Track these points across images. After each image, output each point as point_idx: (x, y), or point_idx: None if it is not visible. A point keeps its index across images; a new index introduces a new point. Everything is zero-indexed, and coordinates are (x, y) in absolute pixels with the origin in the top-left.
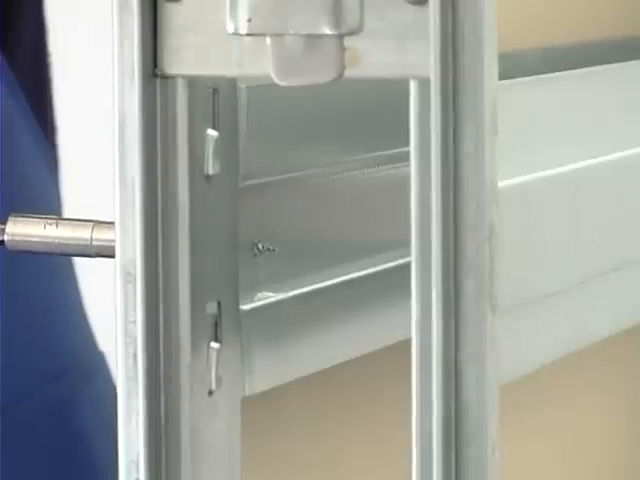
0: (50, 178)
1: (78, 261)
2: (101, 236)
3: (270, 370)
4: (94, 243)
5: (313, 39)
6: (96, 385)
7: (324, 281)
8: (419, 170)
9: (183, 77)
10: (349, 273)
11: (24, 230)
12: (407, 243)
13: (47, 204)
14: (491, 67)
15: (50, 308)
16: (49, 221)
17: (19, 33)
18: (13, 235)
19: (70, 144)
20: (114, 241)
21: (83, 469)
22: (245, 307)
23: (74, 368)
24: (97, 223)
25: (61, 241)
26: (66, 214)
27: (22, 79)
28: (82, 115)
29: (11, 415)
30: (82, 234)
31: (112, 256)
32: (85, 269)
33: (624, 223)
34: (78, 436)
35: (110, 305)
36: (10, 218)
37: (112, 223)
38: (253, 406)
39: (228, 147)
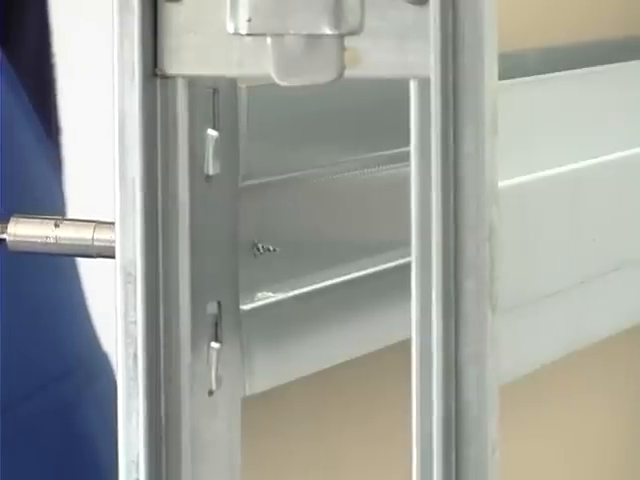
0: (54, 177)
1: (81, 262)
2: (102, 236)
3: (270, 370)
4: (95, 243)
5: (313, 39)
6: (100, 386)
7: (324, 281)
8: (419, 170)
9: (183, 77)
10: (349, 273)
11: (26, 231)
12: (407, 243)
13: (50, 203)
14: (491, 67)
15: (54, 309)
16: (51, 221)
17: (23, 33)
18: (15, 236)
19: (74, 144)
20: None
21: (87, 470)
22: (245, 307)
23: (78, 369)
24: (98, 223)
25: (63, 241)
26: (70, 214)
27: (25, 79)
28: (86, 115)
29: (14, 415)
30: (84, 234)
31: (114, 256)
32: (88, 270)
33: (624, 223)
34: (82, 437)
35: (113, 306)
36: (12, 219)
37: (113, 223)
38: (253, 406)
39: (228, 147)
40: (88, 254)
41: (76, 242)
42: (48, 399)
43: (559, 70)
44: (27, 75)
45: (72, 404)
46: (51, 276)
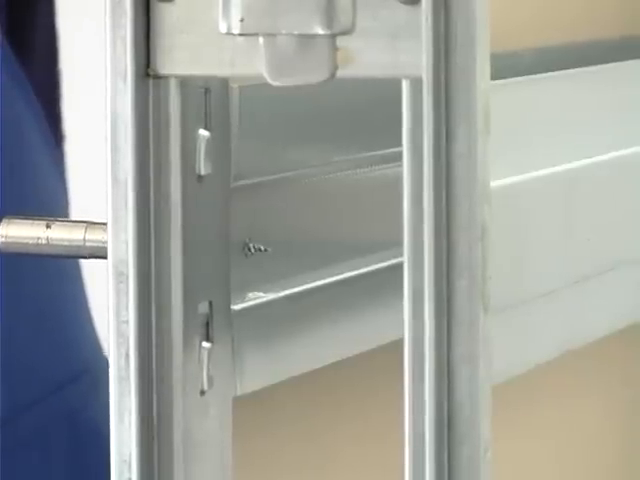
0: (60, 180)
1: (84, 264)
2: (94, 237)
3: (261, 370)
4: (87, 244)
5: (306, 39)
6: (104, 390)
7: (316, 281)
8: (412, 170)
9: (176, 77)
10: (341, 273)
11: (18, 232)
12: (399, 243)
13: (56, 205)
14: (483, 67)
15: (59, 311)
16: (42, 222)
17: (34, 34)
18: (7, 237)
19: (77, 149)
20: (107, 242)
21: (97, 474)
22: (236, 307)
23: (84, 373)
24: (90, 224)
25: (54, 242)
26: (72, 216)
27: (35, 81)
28: (85, 120)
29: (23, 422)
30: (75, 235)
31: (105, 257)
32: (89, 272)
33: (618, 223)
34: (90, 440)
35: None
36: (3, 220)
37: (105, 224)
38: (244, 406)
39: (220, 147)
40: (80, 255)
41: (68, 243)
42: (57, 404)
43: (553, 70)
44: (37, 78)
45: (79, 409)
46: (55, 277)
